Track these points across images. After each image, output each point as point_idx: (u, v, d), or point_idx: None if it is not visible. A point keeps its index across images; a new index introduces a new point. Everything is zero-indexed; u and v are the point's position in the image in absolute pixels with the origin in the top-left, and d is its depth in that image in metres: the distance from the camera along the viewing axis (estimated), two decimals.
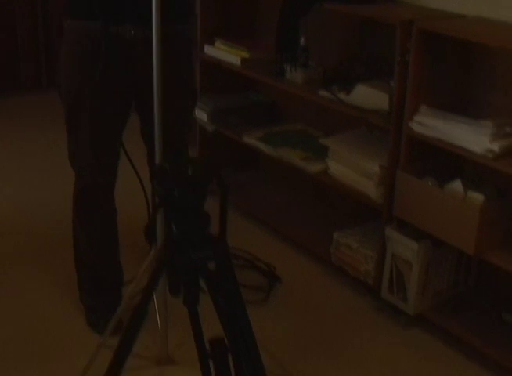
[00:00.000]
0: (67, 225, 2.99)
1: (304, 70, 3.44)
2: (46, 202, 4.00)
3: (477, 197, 2.79)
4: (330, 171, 3.37)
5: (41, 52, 5.70)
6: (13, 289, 3.25)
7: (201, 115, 3.90)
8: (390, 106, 2.99)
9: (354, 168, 3.23)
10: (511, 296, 3.08)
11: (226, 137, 3.92)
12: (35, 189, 4.20)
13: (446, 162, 3.01)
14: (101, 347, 2.61)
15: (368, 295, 3.27)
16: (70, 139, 2.78)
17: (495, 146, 2.65)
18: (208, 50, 3.86)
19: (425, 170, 2.98)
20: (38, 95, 5.61)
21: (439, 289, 3.11)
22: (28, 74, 5.71)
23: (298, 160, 3.49)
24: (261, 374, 2.28)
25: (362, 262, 3.24)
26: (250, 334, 2.20)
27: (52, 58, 5.65)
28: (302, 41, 3.40)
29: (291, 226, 3.71)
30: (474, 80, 3.01)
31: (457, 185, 2.86)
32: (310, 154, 3.52)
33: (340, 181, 3.31)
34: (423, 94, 2.90)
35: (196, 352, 2.01)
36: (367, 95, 3.11)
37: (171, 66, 2.53)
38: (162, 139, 2.47)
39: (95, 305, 3.06)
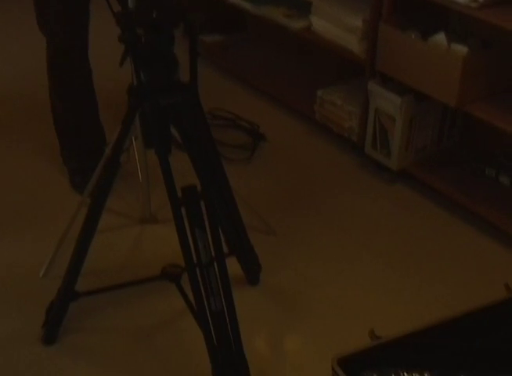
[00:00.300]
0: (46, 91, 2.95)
1: None
2: (24, 71, 3.92)
3: (461, 49, 2.73)
4: (314, 27, 3.29)
5: None
6: None
7: None
8: None
9: (337, 23, 3.16)
10: (495, 151, 3.06)
11: None
12: (11, 59, 4.11)
13: (430, 14, 2.93)
14: (81, 205, 2.60)
15: (352, 152, 3.26)
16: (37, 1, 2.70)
17: None
18: None
19: (409, 23, 2.91)
20: None
21: (423, 145, 3.09)
22: None
23: (281, 17, 3.42)
24: (238, 223, 2.29)
25: (346, 118, 3.21)
26: (225, 184, 2.19)
27: None
28: None
29: (275, 85, 3.67)
30: None
31: (441, 37, 2.79)
32: (293, 11, 3.44)
33: (324, 37, 3.24)
34: None
35: None
36: None
37: None
38: None
39: (77, 168, 3.05)
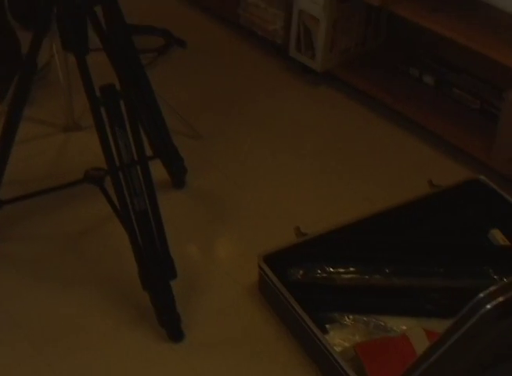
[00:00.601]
0: None
1: None
2: None
3: None
4: None
5: None
6: None
7: None
8: None
9: None
10: (419, 51, 3.07)
11: None
12: None
13: None
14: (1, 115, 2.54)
15: (276, 55, 3.23)
16: None
17: None
18: None
19: None
20: None
21: (347, 46, 3.08)
22: None
23: None
24: (161, 125, 2.27)
25: (270, 21, 3.17)
26: (146, 86, 2.16)
27: None
28: None
29: None
30: None
31: None
32: None
33: None
34: None
35: None
36: None
37: None
38: None
39: None
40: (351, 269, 2.16)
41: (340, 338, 1.99)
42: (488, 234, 2.33)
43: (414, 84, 3.00)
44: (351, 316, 2.04)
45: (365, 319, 2.03)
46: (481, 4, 2.60)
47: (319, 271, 2.14)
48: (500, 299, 1.34)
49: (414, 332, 1.95)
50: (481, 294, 1.35)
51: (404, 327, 2.00)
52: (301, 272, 2.12)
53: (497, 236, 2.32)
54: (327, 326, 2.01)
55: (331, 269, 2.15)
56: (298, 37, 3.04)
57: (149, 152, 2.28)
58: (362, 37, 3.11)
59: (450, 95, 2.90)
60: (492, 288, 1.34)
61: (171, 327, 2.03)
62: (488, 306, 1.34)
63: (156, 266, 1.97)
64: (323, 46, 2.97)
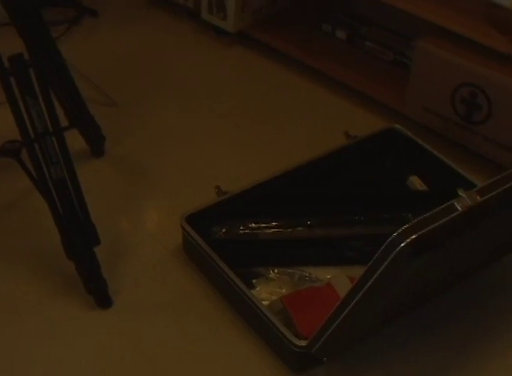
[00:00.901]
0: None
1: None
2: None
3: None
4: None
5: None
6: None
7: None
8: None
9: None
10: (332, 8, 3.09)
11: None
12: None
13: None
14: None
15: (189, 19, 3.22)
16: None
17: None
18: None
19: None
20: None
21: (259, 5, 3.08)
22: None
23: None
24: (75, 94, 2.25)
25: None
26: (56, 55, 2.14)
27: None
28: None
29: None
30: None
31: None
32: None
33: None
34: None
35: None
36: None
37: None
38: None
39: None
40: (274, 223, 2.19)
41: (266, 292, 2.01)
42: (406, 181, 2.37)
43: (327, 39, 3.02)
44: (276, 270, 2.06)
45: (290, 271, 2.06)
46: None
47: (242, 227, 2.16)
48: (413, 237, 1.37)
49: (338, 280, 1.99)
50: (395, 234, 1.38)
51: (328, 277, 2.04)
52: (223, 230, 2.14)
53: (415, 182, 2.37)
54: (253, 281, 2.04)
55: (253, 225, 2.17)
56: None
57: (65, 122, 2.27)
58: None
59: (363, 49, 2.93)
60: (404, 227, 1.38)
61: (99, 294, 2.04)
62: (402, 244, 1.37)
63: (78, 234, 1.96)
64: (235, 7, 2.97)
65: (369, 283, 1.48)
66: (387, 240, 1.38)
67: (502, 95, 2.34)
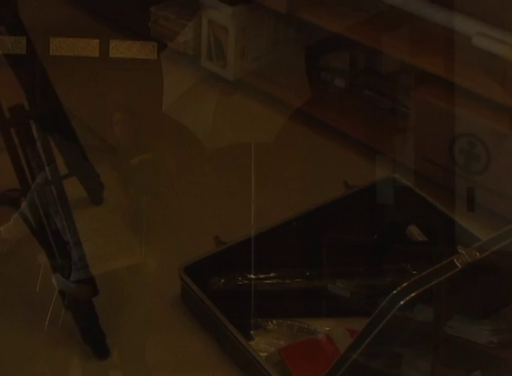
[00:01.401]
0: None
1: None
2: None
3: None
4: None
5: None
6: None
7: None
8: None
9: None
10: (329, 55, 3.11)
11: None
12: None
13: None
14: None
15: (189, 66, 3.23)
16: None
17: None
18: None
19: None
20: None
21: (258, 54, 3.10)
22: None
23: None
24: (74, 142, 2.26)
25: (180, 33, 3.18)
26: (56, 104, 2.15)
27: None
28: None
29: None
30: None
31: None
32: None
33: None
34: None
35: None
36: None
37: None
38: None
39: None
40: (272, 274, 2.18)
41: (265, 344, 2.00)
42: (406, 230, 2.37)
43: (326, 87, 3.03)
44: (274, 321, 2.05)
45: (288, 322, 2.05)
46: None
47: (240, 278, 2.15)
48: (412, 295, 1.37)
49: (337, 332, 1.98)
50: (394, 292, 1.38)
51: (327, 328, 2.02)
52: (222, 280, 2.14)
53: (414, 231, 2.36)
54: (252, 332, 2.02)
55: (252, 276, 2.16)
56: (209, 47, 3.05)
57: (64, 170, 2.26)
58: (273, 44, 3.13)
59: (362, 97, 2.94)
60: (404, 284, 1.38)
61: (96, 345, 2.02)
62: (402, 302, 1.37)
63: (76, 281, 1.96)
64: (234, 55, 2.99)
65: (370, 339, 1.48)
66: (386, 298, 1.38)
67: (500, 146, 2.34)
